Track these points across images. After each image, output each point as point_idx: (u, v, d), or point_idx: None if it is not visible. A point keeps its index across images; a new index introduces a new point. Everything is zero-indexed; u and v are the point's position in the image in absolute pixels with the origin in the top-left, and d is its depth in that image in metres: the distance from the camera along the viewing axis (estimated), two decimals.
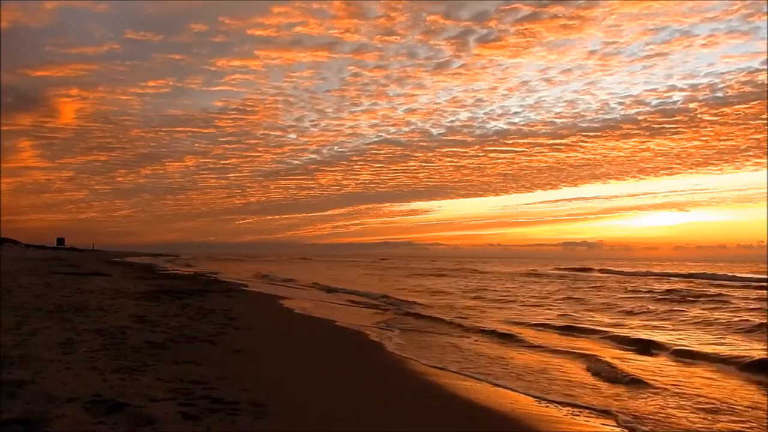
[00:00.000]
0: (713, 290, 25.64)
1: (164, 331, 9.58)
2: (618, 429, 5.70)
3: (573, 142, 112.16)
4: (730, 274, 41.91)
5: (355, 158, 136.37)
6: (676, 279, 38.00)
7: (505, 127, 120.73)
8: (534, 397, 6.84)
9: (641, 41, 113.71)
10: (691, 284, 31.02)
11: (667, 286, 28.33)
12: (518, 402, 6.58)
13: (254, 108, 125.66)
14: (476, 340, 11.43)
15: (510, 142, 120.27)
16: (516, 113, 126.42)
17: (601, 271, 51.83)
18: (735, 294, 23.82)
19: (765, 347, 10.79)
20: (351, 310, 17.56)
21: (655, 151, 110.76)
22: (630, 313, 17.16)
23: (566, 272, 49.67)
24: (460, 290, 26.58)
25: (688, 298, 21.79)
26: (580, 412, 6.25)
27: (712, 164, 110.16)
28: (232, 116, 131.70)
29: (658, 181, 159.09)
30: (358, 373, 7.80)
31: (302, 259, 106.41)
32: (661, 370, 8.67)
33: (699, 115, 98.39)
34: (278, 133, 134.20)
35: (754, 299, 21.19)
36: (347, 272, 47.37)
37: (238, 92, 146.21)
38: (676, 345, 10.81)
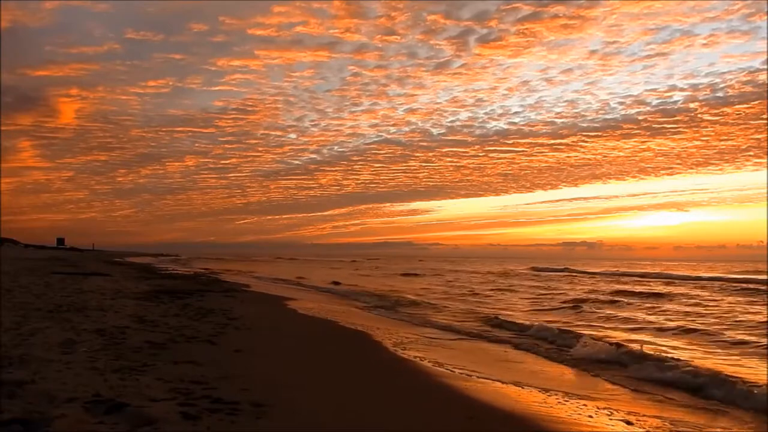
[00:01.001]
0: (662, 289, 27.18)
1: (164, 331, 9.57)
2: (621, 426, 5.71)
3: (573, 142, 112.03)
4: (702, 274, 43.40)
5: (355, 158, 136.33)
6: (645, 279, 39.11)
7: (506, 126, 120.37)
8: (517, 384, 6.86)
9: (642, 41, 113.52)
10: (638, 284, 32.81)
11: (617, 287, 29.38)
12: (519, 401, 6.58)
13: (254, 108, 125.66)
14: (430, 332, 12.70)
15: (510, 142, 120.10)
16: (516, 113, 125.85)
17: (572, 271, 53.24)
18: (680, 292, 25.15)
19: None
20: (349, 309, 17.56)
21: (655, 151, 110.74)
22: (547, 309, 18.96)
23: (538, 272, 51.89)
24: (430, 289, 28.31)
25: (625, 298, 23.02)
26: (581, 404, 6.26)
27: (713, 164, 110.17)
28: (232, 116, 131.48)
29: (659, 181, 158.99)
30: (358, 372, 7.80)
31: (290, 260, 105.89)
32: None
33: (699, 115, 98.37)
34: (278, 133, 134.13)
35: (690, 303, 21.54)
36: (336, 272, 48.81)
37: (238, 92, 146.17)
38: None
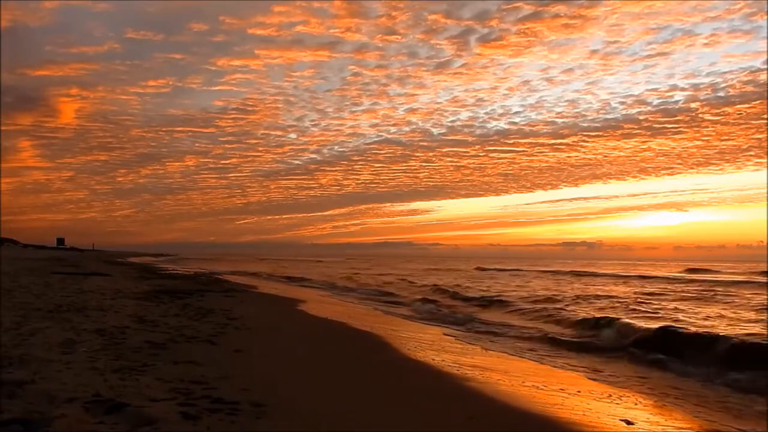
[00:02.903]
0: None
1: (164, 331, 9.58)
2: (622, 426, 5.70)
3: (574, 141, 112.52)
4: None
5: (355, 158, 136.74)
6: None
7: (506, 126, 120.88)
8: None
9: (643, 40, 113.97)
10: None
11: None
12: (519, 399, 6.58)
13: (255, 108, 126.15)
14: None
15: (511, 141, 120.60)
16: (517, 113, 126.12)
17: (520, 271, 55.80)
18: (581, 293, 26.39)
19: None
20: (346, 307, 17.56)
21: (656, 151, 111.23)
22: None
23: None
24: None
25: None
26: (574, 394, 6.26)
27: (713, 164, 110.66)
28: (232, 116, 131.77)
29: (659, 181, 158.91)
30: (358, 372, 7.79)
31: (262, 260, 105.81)
32: None
33: (700, 115, 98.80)
34: (279, 132, 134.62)
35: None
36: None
37: (238, 92, 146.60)
38: None
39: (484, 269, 59.87)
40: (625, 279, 38.26)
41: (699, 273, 48.66)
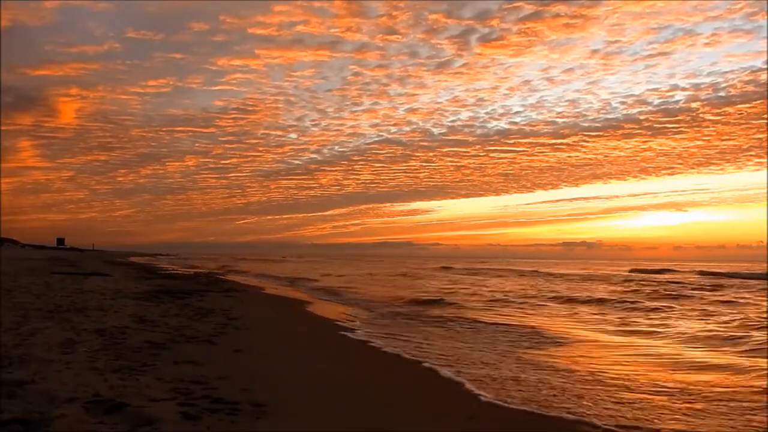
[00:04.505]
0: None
1: (164, 331, 9.58)
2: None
3: (574, 141, 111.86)
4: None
5: (355, 158, 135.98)
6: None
7: (507, 126, 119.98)
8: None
9: (644, 40, 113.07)
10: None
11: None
12: (520, 399, 6.57)
13: (255, 107, 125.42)
14: None
15: (511, 141, 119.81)
16: (517, 113, 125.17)
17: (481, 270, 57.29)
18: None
19: None
20: (349, 309, 17.57)
21: (656, 151, 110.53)
22: None
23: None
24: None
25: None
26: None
27: (714, 164, 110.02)
28: (232, 116, 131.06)
29: (659, 181, 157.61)
30: (358, 372, 7.79)
31: (241, 259, 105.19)
32: None
33: (701, 115, 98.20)
34: (279, 132, 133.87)
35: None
36: None
37: (238, 92, 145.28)
38: None
39: (448, 268, 61.27)
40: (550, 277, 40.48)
41: (640, 273, 48.02)
